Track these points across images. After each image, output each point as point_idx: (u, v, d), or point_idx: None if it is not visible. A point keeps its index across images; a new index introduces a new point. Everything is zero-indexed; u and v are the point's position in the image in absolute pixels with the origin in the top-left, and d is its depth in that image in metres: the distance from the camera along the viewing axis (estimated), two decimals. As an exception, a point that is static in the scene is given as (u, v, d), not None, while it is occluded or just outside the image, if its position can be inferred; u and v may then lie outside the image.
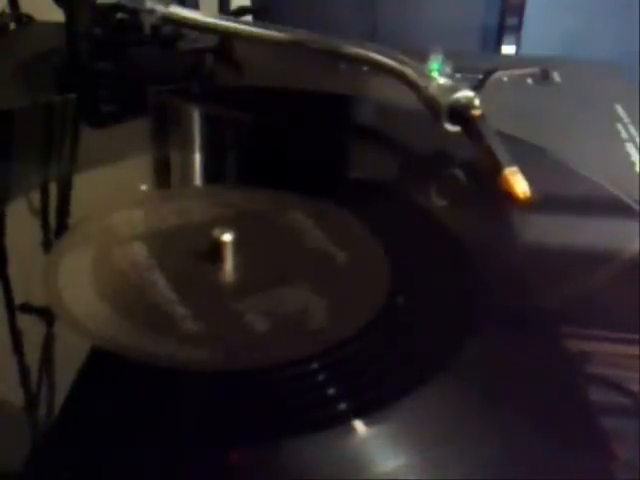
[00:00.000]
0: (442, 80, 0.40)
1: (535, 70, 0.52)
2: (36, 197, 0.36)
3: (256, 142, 0.43)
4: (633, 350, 0.29)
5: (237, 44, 0.53)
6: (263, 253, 0.32)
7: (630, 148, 0.43)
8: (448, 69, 0.41)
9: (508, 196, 0.35)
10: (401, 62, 0.43)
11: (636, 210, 0.35)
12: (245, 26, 0.48)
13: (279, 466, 0.23)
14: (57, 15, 0.50)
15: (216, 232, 0.31)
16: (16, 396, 0.25)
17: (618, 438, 0.25)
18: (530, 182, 0.35)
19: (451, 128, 0.40)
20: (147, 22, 0.49)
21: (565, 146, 0.41)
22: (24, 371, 0.26)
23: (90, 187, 0.37)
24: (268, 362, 0.27)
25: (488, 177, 0.36)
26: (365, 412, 0.24)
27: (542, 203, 0.36)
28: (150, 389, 0.26)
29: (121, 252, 0.32)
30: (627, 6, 0.89)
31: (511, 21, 0.85)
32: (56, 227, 0.35)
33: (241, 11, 0.59)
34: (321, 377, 0.26)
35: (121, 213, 0.34)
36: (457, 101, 0.39)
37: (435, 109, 0.40)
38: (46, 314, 0.29)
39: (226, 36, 0.51)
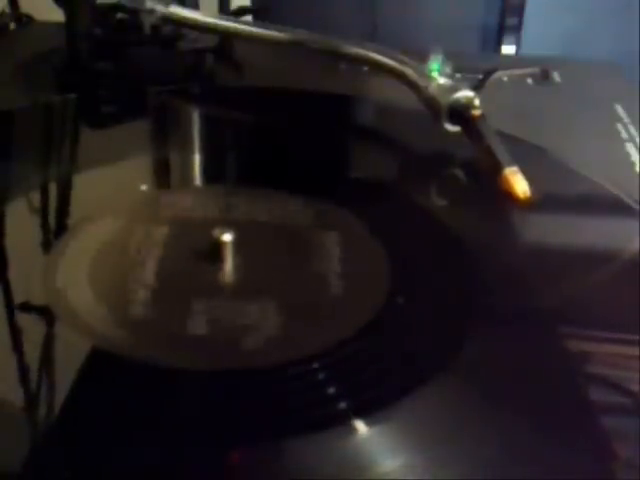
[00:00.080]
0: (442, 80, 0.40)
1: (535, 70, 0.52)
2: (36, 197, 0.36)
3: (256, 142, 0.43)
4: (633, 350, 0.29)
5: (237, 44, 0.53)
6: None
7: (630, 148, 0.43)
8: (448, 69, 0.41)
9: (508, 196, 0.35)
10: (401, 62, 0.43)
11: (636, 210, 0.35)
12: (245, 26, 0.48)
13: (279, 466, 0.23)
14: (57, 15, 0.50)
15: (216, 232, 0.31)
16: (16, 396, 0.25)
17: (618, 438, 0.25)
18: (530, 182, 0.35)
19: (451, 128, 0.40)
20: (147, 22, 0.49)
21: (565, 146, 0.41)
22: (24, 371, 0.26)
23: (90, 187, 0.37)
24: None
25: (488, 177, 0.36)
26: (365, 412, 0.24)
27: (542, 203, 0.36)
28: (149, 389, 0.26)
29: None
30: (627, 6, 0.89)
31: (511, 21, 0.85)
32: (56, 227, 0.35)
33: (241, 11, 0.59)
34: (321, 377, 0.26)
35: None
36: (457, 101, 0.39)
37: (435, 109, 0.40)
38: (46, 314, 0.29)
39: (226, 36, 0.51)
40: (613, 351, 0.29)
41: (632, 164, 0.41)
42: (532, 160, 0.38)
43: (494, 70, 0.50)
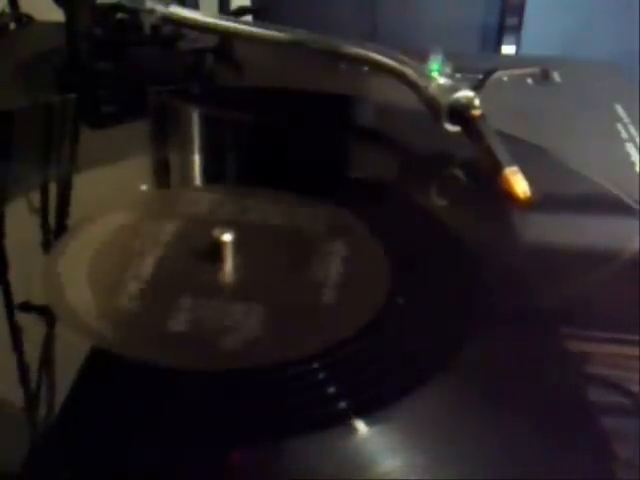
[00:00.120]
0: (442, 80, 0.40)
1: (535, 70, 0.52)
2: (36, 197, 0.36)
3: (256, 142, 0.43)
4: (633, 350, 0.29)
5: (237, 44, 0.53)
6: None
7: (630, 148, 0.43)
8: (448, 69, 0.41)
9: (508, 196, 0.35)
10: (401, 62, 0.43)
11: (636, 210, 0.35)
12: (245, 26, 0.48)
13: (279, 466, 0.23)
14: (57, 15, 0.50)
15: (216, 232, 0.31)
16: (16, 396, 0.25)
17: (618, 438, 0.25)
18: (530, 182, 0.35)
19: (451, 128, 0.40)
20: (147, 22, 0.49)
21: (565, 146, 0.41)
22: (24, 371, 0.26)
23: (90, 187, 0.37)
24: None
25: (488, 177, 0.36)
26: (365, 412, 0.24)
27: (542, 203, 0.36)
28: (149, 389, 0.26)
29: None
30: (627, 6, 0.89)
31: (511, 21, 0.85)
32: (56, 227, 0.35)
33: (241, 11, 0.59)
34: (321, 377, 0.26)
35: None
36: (457, 101, 0.39)
37: (435, 109, 0.40)
38: (46, 314, 0.29)
39: (226, 36, 0.51)
40: (613, 351, 0.29)
41: (632, 164, 0.41)
42: (532, 160, 0.38)
43: (494, 70, 0.50)
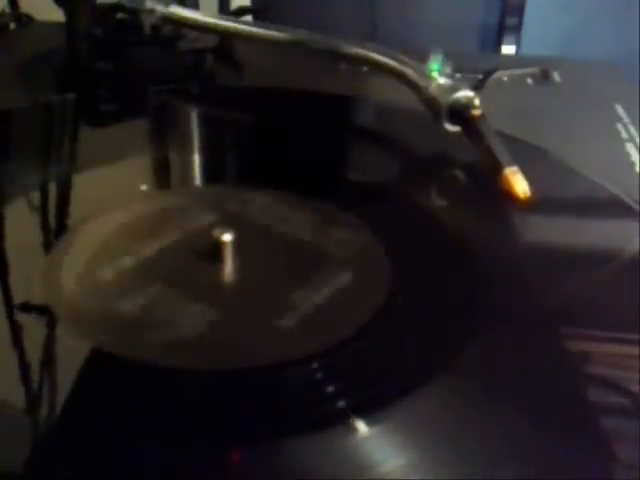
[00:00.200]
0: (442, 80, 0.40)
1: (535, 70, 0.52)
2: (36, 197, 0.36)
3: (256, 142, 0.43)
4: (633, 350, 0.29)
5: (237, 44, 0.53)
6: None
7: (630, 148, 0.43)
8: (448, 69, 0.41)
9: (508, 196, 0.35)
10: (401, 62, 0.43)
11: (636, 210, 0.35)
12: (245, 26, 0.48)
13: (279, 466, 0.23)
14: (57, 15, 0.50)
15: (216, 232, 0.31)
16: (16, 396, 0.25)
17: (618, 438, 0.25)
18: (530, 182, 0.35)
19: (451, 128, 0.40)
20: (147, 22, 0.49)
21: (565, 146, 0.41)
22: (24, 371, 0.26)
23: (90, 187, 0.37)
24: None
25: (488, 177, 0.36)
26: (365, 412, 0.24)
27: (542, 203, 0.36)
28: (150, 389, 0.26)
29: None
30: (627, 6, 0.89)
31: (511, 21, 0.85)
32: (56, 227, 0.35)
33: (241, 11, 0.59)
34: (321, 377, 0.26)
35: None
36: (457, 101, 0.39)
37: (435, 109, 0.40)
38: (46, 314, 0.29)
39: (226, 36, 0.51)
40: (613, 351, 0.29)
41: (632, 164, 0.41)
42: (532, 160, 0.38)
43: (494, 70, 0.50)
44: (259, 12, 0.66)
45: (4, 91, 0.47)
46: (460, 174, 0.40)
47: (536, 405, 0.26)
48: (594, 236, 0.35)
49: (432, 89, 0.40)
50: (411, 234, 0.35)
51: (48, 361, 0.27)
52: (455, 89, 0.40)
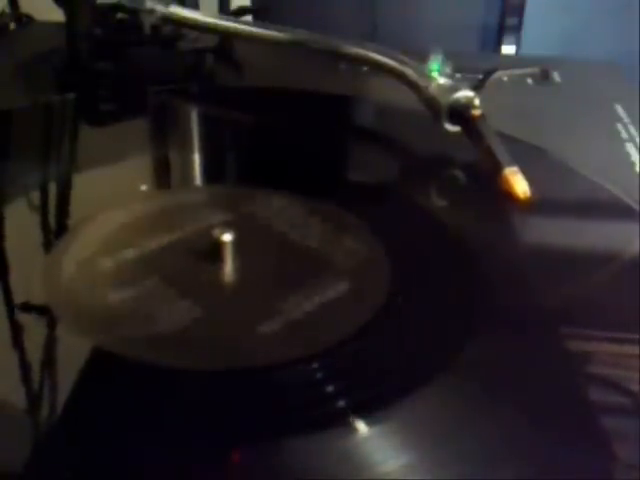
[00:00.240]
0: (442, 80, 0.40)
1: (535, 70, 0.52)
2: (36, 197, 0.36)
3: (256, 142, 0.43)
4: (633, 350, 0.29)
5: (237, 44, 0.53)
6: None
7: (630, 148, 0.43)
8: (448, 69, 0.41)
9: (508, 196, 0.35)
10: (401, 62, 0.43)
11: (636, 210, 0.35)
12: (245, 26, 0.48)
13: (279, 466, 0.23)
14: (57, 15, 0.50)
15: (216, 232, 0.31)
16: (17, 396, 0.25)
17: (618, 438, 0.25)
18: (530, 182, 0.35)
19: (451, 128, 0.40)
20: (147, 22, 0.49)
21: (565, 146, 0.41)
22: (25, 372, 0.26)
23: (90, 187, 0.37)
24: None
25: (488, 177, 0.36)
26: (365, 412, 0.24)
27: (542, 203, 0.36)
28: (150, 389, 0.26)
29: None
30: (627, 6, 0.89)
31: (511, 21, 0.85)
32: (56, 227, 0.35)
33: (241, 11, 0.59)
34: (321, 377, 0.26)
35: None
36: (457, 101, 0.39)
37: (435, 109, 0.40)
38: (46, 314, 0.29)
39: (226, 36, 0.51)
40: (613, 351, 0.29)
41: (632, 164, 0.41)
42: (532, 160, 0.38)
43: (494, 70, 0.50)
44: (259, 12, 0.66)
45: (4, 91, 0.47)
46: (460, 174, 0.40)
47: (536, 405, 0.26)
48: (594, 236, 0.35)
49: (432, 89, 0.40)
50: (411, 234, 0.35)
51: (48, 361, 0.27)
52: (455, 89, 0.40)
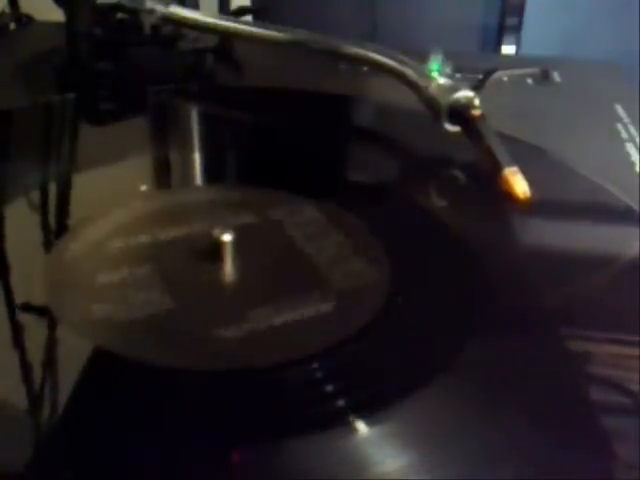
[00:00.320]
0: (442, 80, 0.40)
1: (535, 70, 0.52)
2: (36, 197, 0.36)
3: (256, 142, 0.43)
4: (633, 350, 0.29)
5: (237, 44, 0.53)
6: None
7: (630, 148, 0.43)
8: (448, 69, 0.41)
9: (508, 196, 0.35)
10: (401, 62, 0.43)
11: (636, 210, 0.35)
12: (245, 26, 0.48)
13: (279, 466, 0.23)
14: (57, 15, 0.50)
15: (216, 232, 0.31)
16: (18, 397, 0.25)
17: (618, 438, 0.25)
18: (530, 182, 0.35)
19: (451, 128, 0.40)
20: (147, 22, 0.49)
21: (565, 146, 0.41)
22: (25, 372, 0.26)
23: (90, 187, 0.37)
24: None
25: (488, 177, 0.36)
26: (365, 412, 0.24)
27: (542, 203, 0.36)
28: (151, 389, 0.26)
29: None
30: (627, 6, 0.89)
31: (511, 21, 0.85)
32: (56, 227, 0.35)
33: (241, 11, 0.59)
34: (321, 377, 0.26)
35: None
36: (457, 101, 0.39)
37: (435, 109, 0.40)
38: (46, 314, 0.29)
39: (226, 36, 0.51)
40: (612, 351, 0.29)
41: (632, 164, 0.41)
42: (532, 160, 0.38)
43: (494, 70, 0.50)
44: (259, 12, 0.66)
45: (4, 91, 0.47)
46: (460, 174, 0.40)
47: (536, 405, 0.26)
48: (594, 236, 0.35)
49: (432, 89, 0.40)
50: (411, 234, 0.35)
51: (49, 361, 0.27)
52: (455, 89, 0.40)
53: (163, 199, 0.37)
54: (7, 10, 0.57)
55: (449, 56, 0.42)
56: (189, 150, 0.42)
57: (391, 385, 0.26)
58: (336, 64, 0.51)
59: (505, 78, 0.51)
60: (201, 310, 0.29)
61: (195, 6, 0.56)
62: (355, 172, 0.41)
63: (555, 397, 0.26)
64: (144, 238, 0.33)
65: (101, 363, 0.27)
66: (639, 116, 0.46)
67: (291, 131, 0.43)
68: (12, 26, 0.57)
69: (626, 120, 0.46)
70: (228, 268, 0.31)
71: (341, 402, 0.25)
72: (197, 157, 0.41)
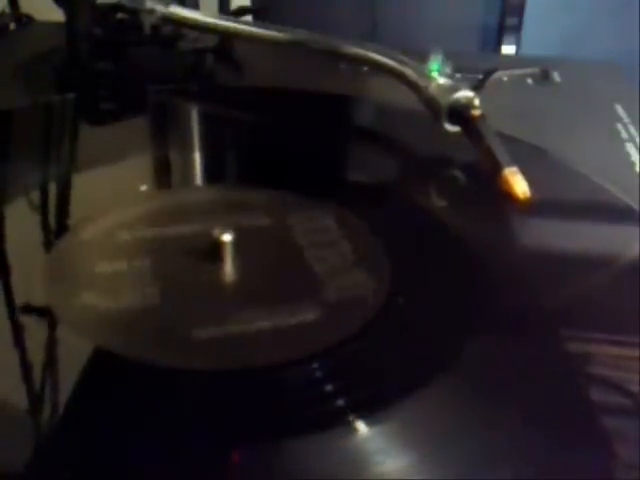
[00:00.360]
0: (442, 80, 0.40)
1: (535, 70, 0.52)
2: (36, 197, 0.36)
3: (256, 142, 0.43)
4: (633, 351, 0.29)
5: (237, 44, 0.53)
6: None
7: (630, 148, 0.43)
8: (448, 69, 0.41)
9: (508, 196, 0.35)
10: (401, 62, 0.43)
11: (636, 210, 0.35)
12: (245, 26, 0.48)
13: (279, 466, 0.23)
14: (57, 15, 0.50)
15: (216, 232, 0.31)
16: (18, 397, 0.25)
17: (618, 438, 0.25)
18: (530, 182, 0.35)
19: (451, 128, 0.40)
20: (147, 22, 0.49)
21: (565, 146, 0.41)
22: (26, 372, 0.26)
23: (90, 187, 0.37)
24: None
25: (488, 177, 0.36)
26: (365, 412, 0.24)
27: (542, 203, 0.36)
28: (151, 389, 0.26)
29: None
30: (627, 5, 0.89)
31: (511, 21, 0.85)
32: (56, 227, 0.35)
33: (241, 11, 0.59)
34: (321, 377, 0.26)
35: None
36: (457, 101, 0.39)
37: (435, 109, 0.40)
38: (47, 315, 0.29)
39: (226, 36, 0.51)
40: (612, 352, 0.29)
41: (632, 164, 0.41)
42: (532, 160, 0.38)
43: (494, 70, 0.50)
44: (259, 12, 0.66)
45: (4, 91, 0.47)
46: (460, 174, 0.40)
47: (536, 405, 0.26)
48: (594, 236, 0.35)
49: (432, 89, 0.40)
50: (411, 234, 0.35)
51: (49, 361, 0.27)
52: (455, 89, 0.40)
53: (163, 199, 0.37)
54: (7, 10, 0.57)
55: (449, 56, 0.42)
56: (189, 150, 0.42)
57: (391, 385, 0.26)
58: (336, 64, 0.51)
59: (505, 78, 0.51)
60: (183, 308, 0.29)
61: (195, 6, 0.56)
62: (355, 172, 0.41)
63: (555, 397, 0.26)
64: (144, 238, 0.33)
65: (101, 363, 0.27)
66: (639, 116, 0.46)
67: (291, 131, 0.43)
68: (12, 26, 0.57)
69: (626, 120, 0.46)
70: (226, 268, 0.31)
71: (341, 402, 0.25)
72: (197, 157, 0.41)
